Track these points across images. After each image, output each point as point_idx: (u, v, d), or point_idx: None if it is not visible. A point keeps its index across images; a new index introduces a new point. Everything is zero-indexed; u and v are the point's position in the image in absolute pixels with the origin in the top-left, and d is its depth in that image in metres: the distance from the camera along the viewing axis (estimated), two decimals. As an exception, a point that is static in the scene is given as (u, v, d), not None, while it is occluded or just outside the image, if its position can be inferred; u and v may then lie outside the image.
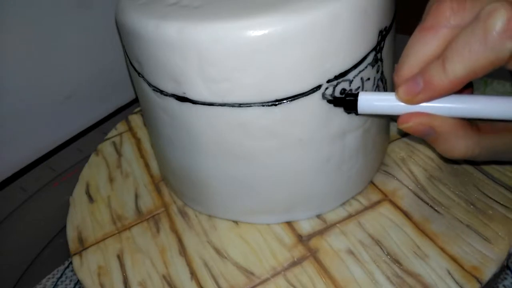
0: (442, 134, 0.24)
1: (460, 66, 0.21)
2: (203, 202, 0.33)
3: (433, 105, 0.23)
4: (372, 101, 0.25)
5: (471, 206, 0.31)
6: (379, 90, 0.29)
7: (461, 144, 0.24)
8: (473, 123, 0.24)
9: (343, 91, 0.26)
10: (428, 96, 0.23)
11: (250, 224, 0.32)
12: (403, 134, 0.35)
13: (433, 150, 0.35)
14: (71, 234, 0.34)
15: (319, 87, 0.25)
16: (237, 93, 0.25)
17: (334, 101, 0.26)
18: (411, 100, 0.23)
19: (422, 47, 0.23)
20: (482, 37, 0.20)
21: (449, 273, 0.27)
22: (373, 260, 0.29)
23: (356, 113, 0.26)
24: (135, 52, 0.27)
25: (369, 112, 0.26)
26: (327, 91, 0.26)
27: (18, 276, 0.37)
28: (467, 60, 0.21)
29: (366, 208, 0.32)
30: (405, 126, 0.24)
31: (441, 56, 0.22)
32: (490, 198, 0.31)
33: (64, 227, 0.35)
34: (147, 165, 0.40)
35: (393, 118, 0.39)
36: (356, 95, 0.25)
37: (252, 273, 0.29)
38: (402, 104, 0.24)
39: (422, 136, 0.25)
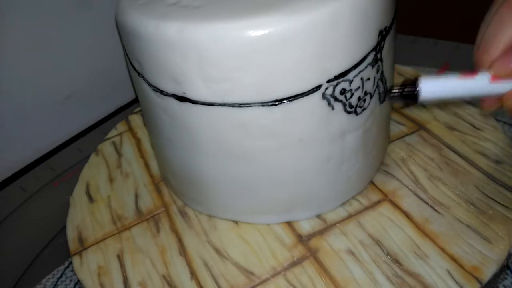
0: None
1: None
2: (203, 202, 0.33)
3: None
4: (436, 86, 0.24)
5: (471, 206, 0.31)
6: (379, 90, 0.29)
7: None
8: None
9: (343, 91, 0.26)
10: None
11: (250, 224, 0.32)
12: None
13: (433, 150, 0.36)
14: (71, 234, 0.34)
15: (319, 87, 0.25)
16: (237, 93, 0.25)
17: (390, 96, 0.25)
18: (510, 72, 0.23)
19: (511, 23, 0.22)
20: None
21: (449, 273, 0.27)
22: (373, 260, 0.29)
23: (416, 102, 0.25)
24: (135, 52, 0.27)
25: (433, 99, 0.25)
26: (327, 91, 0.26)
27: (18, 276, 0.37)
28: None
29: (366, 208, 0.32)
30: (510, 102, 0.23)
31: None
32: (490, 198, 0.31)
33: (64, 227, 0.35)
34: (147, 165, 0.40)
35: (394, 119, 0.39)
36: (415, 84, 0.24)
37: (252, 273, 0.29)
38: (467, 84, 0.23)
39: None
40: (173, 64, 0.25)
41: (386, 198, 0.33)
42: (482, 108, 0.26)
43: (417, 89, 0.24)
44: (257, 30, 0.23)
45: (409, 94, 0.24)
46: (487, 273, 0.27)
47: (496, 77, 0.23)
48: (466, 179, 0.33)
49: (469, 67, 0.24)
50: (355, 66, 0.26)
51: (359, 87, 0.27)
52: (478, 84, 0.23)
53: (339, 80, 0.26)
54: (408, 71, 0.45)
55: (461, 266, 0.27)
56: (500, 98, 0.24)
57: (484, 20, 0.24)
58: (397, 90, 0.25)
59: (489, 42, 0.23)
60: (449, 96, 0.24)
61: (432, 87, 0.24)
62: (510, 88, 0.23)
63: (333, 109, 0.27)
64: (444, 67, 0.24)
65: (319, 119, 0.27)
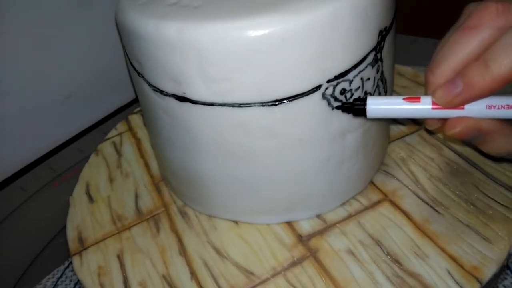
0: (489, 135, 0.24)
1: (505, 63, 0.21)
2: (203, 202, 0.33)
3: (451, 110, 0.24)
4: (381, 105, 0.25)
5: (471, 206, 0.31)
6: (379, 90, 0.29)
7: (509, 142, 0.24)
8: None
9: (343, 91, 0.26)
10: (467, 98, 0.23)
11: (250, 224, 0.32)
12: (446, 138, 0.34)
13: (433, 150, 0.36)
14: (71, 234, 0.34)
15: (319, 87, 0.25)
16: (237, 93, 0.25)
17: (343, 108, 0.26)
18: (449, 102, 0.24)
19: (463, 46, 0.23)
20: None
21: (449, 273, 0.27)
22: (373, 260, 0.29)
23: (366, 118, 0.26)
24: (135, 52, 0.27)
25: (379, 116, 0.26)
26: (327, 91, 0.26)
27: (18, 276, 0.37)
28: None
29: (366, 208, 0.32)
30: (452, 132, 0.24)
31: (483, 56, 0.22)
32: (490, 198, 0.31)
33: (64, 227, 0.35)
34: (147, 165, 0.40)
35: (395, 120, 0.39)
36: (365, 101, 0.26)
37: (252, 273, 0.29)
38: (410, 107, 0.25)
39: (470, 140, 0.25)
40: (173, 64, 0.25)
41: (386, 198, 0.33)
42: (426, 124, 0.27)
43: (366, 106, 0.26)
44: (257, 30, 0.23)
45: (359, 109, 0.26)
46: (487, 273, 0.27)
47: (436, 105, 0.24)
48: (466, 179, 0.33)
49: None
50: (355, 66, 0.26)
51: (359, 87, 0.27)
52: (421, 109, 0.25)
53: (339, 80, 0.26)
54: (408, 71, 0.45)
55: (461, 266, 0.27)
56: (442, 123, 0.25)
57: (440, 42, 0.25)
58: (349, 104, 0.26)
59: (437, 65, 0.24)
60: (395, 115, 0.26)
61: (378, 106, 0.25)
62: (450, 115, 0.24)
63: (333, 109, 0.27)
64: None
65: (319, 119, 0.27)
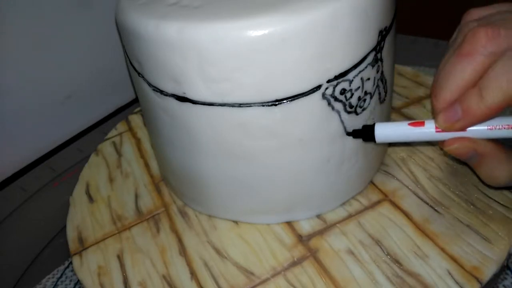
0: (484, 158, 0.25)
1: (497, 93, 0.22)
2: (203, 202, 0.33)
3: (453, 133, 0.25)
4: (388, 132, 0.27)
5: (471, 206, 0.31)
6: (379, 90, 0.29)
7: (503, 169, 0.25)
8: None
9: (343, 91, 0.26)
10: (467, 123, 0.24)
11: (250, 224, 0.32)
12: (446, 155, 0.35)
13: (433, 150, 0.36)
14: (71, 234, 0.34)
15: (319, 87, 0.25)
16: (237, 93, 0.25)
17: (353, 134, 0.28)
18: (450, 127, 0.25)
19: (460, 73, 0.24)
20: None
21: (449, 273, 0.27)
22: (373, 260, 0.29)
23: (375, 143, 0.28)
24: (135, 52, 0.27)
25: (387, 141, 0.28)
26: (327, 91, 0.26)
27: (18, 276, 0.37)
28: (505, 89, 0.22)
29: (366, 208, 0.32)
30: (450, 148, 0.25)
31: (478, 84, 0.23)
32: (490, 198, 0.31)
33: (64, 227, 0.35)
34: (147, 165, 0.40)
35: (394, 119, 0.39)
36: (373, 127, 0.27)
37: (252, 273, 0.29)
38: (416, 132, 0.26)
39: (466, 160, 0.26)
40: (173, 64, 0.25)
41: (386, 198, 0.33)
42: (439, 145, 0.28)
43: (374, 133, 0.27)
44: (257, 30, 0.23)
45: (368, 135, 0.28)
46: (487, 273, 0.27)
47: (439, 129, 0.25)
48: (466, 179, 0.33)
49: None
50: (355, 66, 0.26)
51: (359, 87, 0.27)
52: (426, 132, 0.26)
53: (339, 80, 0.26)
54: (408, 71, 0.45)
55: (461, 266, 0.27)
56: (442, 143, 0.26)
57: (439, 66, 0.26)
58: (358, 130, 0.28)
59: (439, 89, 0.25)
60: (402, 139, 0.27)
61: (385, 132, 0.27)
62: (454, 137, 0.25)
63: (333, 109, 0.27)
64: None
65: (319, 119, 0.27)
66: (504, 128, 0.24)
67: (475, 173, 0.27)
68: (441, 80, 0.25)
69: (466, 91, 0.24)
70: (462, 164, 0.33)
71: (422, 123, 0.26)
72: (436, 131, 0.26)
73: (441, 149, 0.34)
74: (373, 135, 0.27)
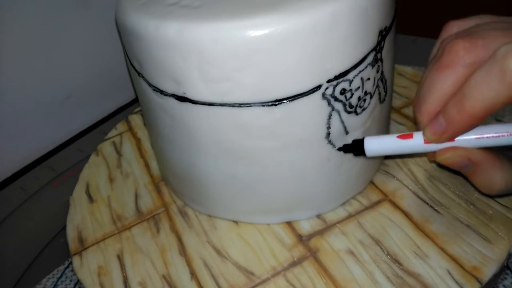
0: (479, 166, 0.25)
1: (478, 102, 0.22)
2: (203, 202, 0.33)
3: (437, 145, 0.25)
4: (377, 146, 0.27)
5: (471, 206, 0.31)
6: (379, 90, 0.29)
7: (499, 177, 0.25)
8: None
9: (343, 91, 0.26)
10: (452, 134, 0.24)
11: (250, 224, 0.32)
12: (439, 165, 0.35)
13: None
14: (71, 234, 0.34)
15: (319, 87, 0.25)
16: (237, 93, 0.25)
17: (344, 149, 0.28)
18: (438, 139, 0.25)
19: (441, 85, 0.24)
20: (500, 76, 0.21)
21: (449, 273, 0.27)
22: (373, 260, 0.29)
23: (366, 157, 0.28)
24: (135, 52, 0.27)
25: (377, 155, 0.28)
26: (327, 91, 0.26)
27: (18, 276, 0.37)
28: (486, 96, 0.22)
29: (366, 208, 0.32)
30: (443, 157, 0.25)
31: (458, 94, 0.23)
32: (490, 198, 0.31)
33: (64, 227, 0.35)
34: (147, 165, 0.40)
35: (395, 120, 0.39)
36: (362, 142, 0.27)
37: (252, 273, 0.29)
38: (405, 144, 0.26)
39: (460, 169, 0.26)
40: (173, 64, 0.25)
41: (386, 198, 0.33)
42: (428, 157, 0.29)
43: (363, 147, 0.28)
44: (257, 30, 0.23)
45: (359, 150, 0.28)
46: (487, 273, 0.27)
47: (427, 141, 0.26)
48: (466, 179, 0.33)
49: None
50: (355, 66, 0.26)
51: (359, 87, 0.27)
52: (415, 144, 0.26)
53: (339, 80, 0.26)
54: (408, 71, 0.45)
55: (461, 266, 0.27)
56: (433, 153, 0.26)
57: (421, 80, 0.26)
58: (349, 145, 0.28)
59: (422, 102, 0.25)
60: (391, 152, 0.28)
61: (375, 146, 0.27)
62: (443, 147, 0.25)
63: (333, 109, 0.27)
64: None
65: (319, 119, 0.27)
66: (492, 137, 0.24)
67: (470, 182, 0.27)
68: (423, 94, 0.25)
69: (448, 102, 0.24)
70: (456, 174, 0.33)
71: (410, 135, 0.26)
72: (425, 143, 0.26)
73: (431, 161, 0.34)
74: (363, 150, 0.28)
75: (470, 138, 0.25)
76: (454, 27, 0.26)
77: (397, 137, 0.27)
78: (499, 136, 0.24)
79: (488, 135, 0.24)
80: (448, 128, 0.24)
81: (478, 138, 0.24)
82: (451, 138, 0.25)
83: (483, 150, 0.25)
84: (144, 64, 0.27)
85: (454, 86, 0.24)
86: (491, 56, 0.22)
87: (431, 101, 0.25)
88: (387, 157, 0.36)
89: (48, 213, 0.41)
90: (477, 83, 0.22)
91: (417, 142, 0.26)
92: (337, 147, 0.28)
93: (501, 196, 0.31)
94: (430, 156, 0.27)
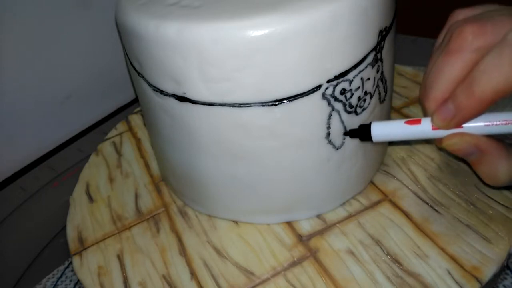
0: (485, 154, 0.25)
1: (488, 86, 0.22)
2: (203, 202, 0.33)
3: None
4: (384, 131, 0.27)
5: (471, 206, 0.31)
6: (379, 90, 0.29)
7: (504, 167, 0.25)
8: None
9: (343, 91, 0.26)
10: (461, 119, 0.24)
11: (250, 224, 0.32)
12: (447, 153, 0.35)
13: (433, 150, 0.36)
14: (71, 234, 0.34)
15: (319, 87, 0.25)
16: (237, 93, 0.25)
17: (350, 134, 0.28)
18: (446, 125, 0.25)
19: (449, 70, 0.24)
20: (511, 60, 0.21)
21: (449, 273, 0.27)
22: (373, 260, 0.29)
23: (372, 142, 0.28)
24: (135, 52, 0.27)
25: (384, 140, 0.28)
26: (327, 91, 0.26)
27: (18, 276, 0.37)
28: (496, 80, 0.22)
29: (366, 208, 0.32)
30: (449, 143, 0.25)
31: (467, 79, 0.23)
32: (490, 198, 0.31)
33: (64, 227, 0.35)
34: (147, 165, 0.40)
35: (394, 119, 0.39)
36: (369, 126, 0.27)
37: (252, 273, 0.29)
38: (412, 130, 0.26)
39: (466, 156, 0.25)
40: (173, 64, 0.25)
41: (386, 198, 0.33)
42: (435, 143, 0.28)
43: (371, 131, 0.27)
44: (257, 30, 0.23)
45: (365, 135, 0.27)
46: (487, 273, 0.27)
47: (435, 127, 0.25)
48: (466, 179, 0.33)
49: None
50: (355, 66, 0.26)
51: (359, 87, 0.27)
52: (422, 130, 0.26)
53: (339, 80, 0.26)
54: (408, 71, 0.45)
55: (461, 266, 0.27)
56: (439, 141, 0.26)
57: (427, 67, 0.26)
58: (355, 130, 0.28)
59: (428, 90, 0.25)
60: (399, 138, 0.27)
61: (382, 131, 0.27)
62: (450, 133, 0.25)
63: (333, 109, 0.27)
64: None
65: (319, 119, 0.27)
66: (502, 124, 0.24)
67: (474, 172, 0.27)
68: (430, 81, 0.25)
69: (457, 87, 0.24)
70: (460, 161, 0.33)
71: (418, 121, 0.26)
72: (433, 129, 0.26)
73: (439, 148, 0.34)
74: (370, 135, 0.27)
75: (479, 125, 0.24)
76: (460, 14, 0.26)
77: (405, 122, 0.26)
78: (508, 123, 0.24)
79: (498, 122, 0.24)
80: (457, 113, 0.24)
81: (488, 125, 0.24)
82: (460, 124, 0.24)
83: (490, 139, 0.24)
84: (144, 64, 0.27)
85: (463, 72, 0.23)
86: (501, 40, 0.21)
87: (439, 87, 0.24)
88: (392, 143, 0.35)
89: (48, 213, 0.41)
90: (487, 67, 0.22)
91: (424, 128, 0.26)
92: (337, 147, 0.28)
93: (504, 188, 0.31)
94: (437, 142, 0.27)
